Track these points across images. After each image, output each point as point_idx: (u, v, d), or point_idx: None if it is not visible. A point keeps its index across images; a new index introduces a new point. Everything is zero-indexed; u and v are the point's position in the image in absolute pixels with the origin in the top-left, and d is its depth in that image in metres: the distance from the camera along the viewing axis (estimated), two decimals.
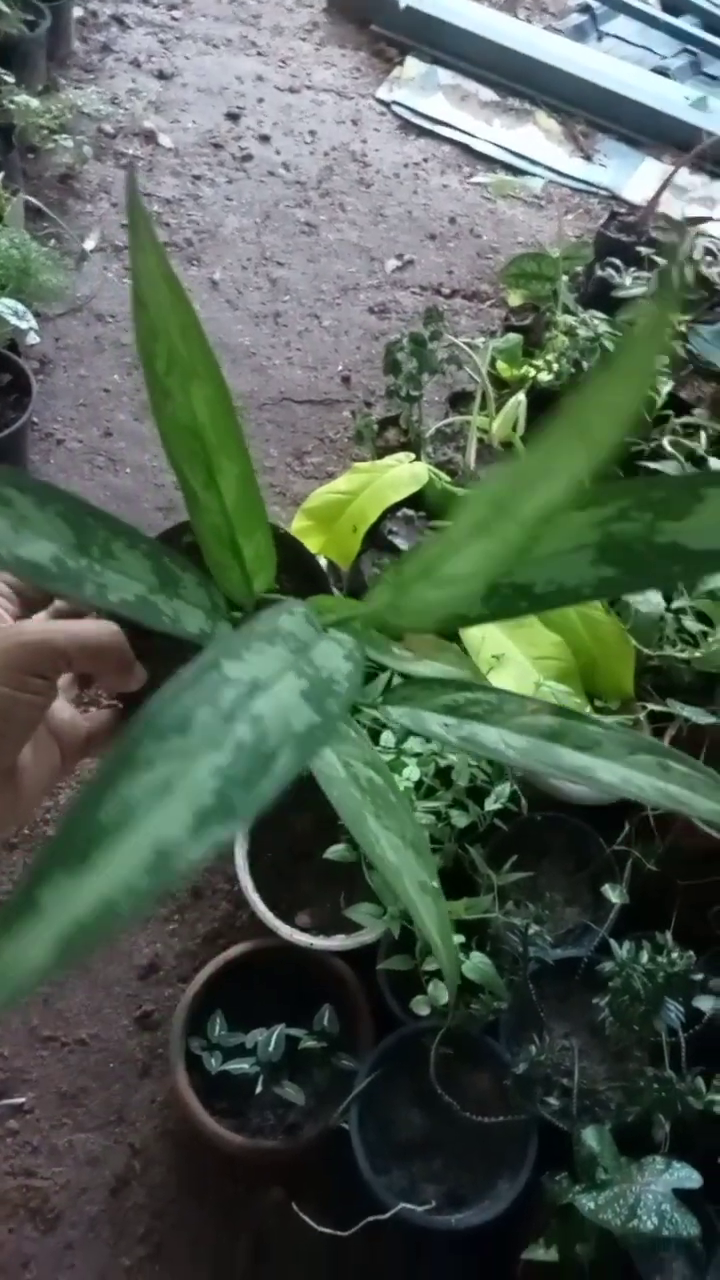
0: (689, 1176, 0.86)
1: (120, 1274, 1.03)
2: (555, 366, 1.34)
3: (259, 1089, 1.00)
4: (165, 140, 2.12)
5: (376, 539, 1.25)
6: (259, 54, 2.36)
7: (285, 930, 1.06)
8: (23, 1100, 1.11)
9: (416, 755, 1.04)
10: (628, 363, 0.29)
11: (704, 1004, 0.97)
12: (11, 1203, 1.06)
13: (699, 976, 0.94)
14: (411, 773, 1.01)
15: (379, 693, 0.45)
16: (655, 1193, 0.84)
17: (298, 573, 0.54)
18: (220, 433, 0.39)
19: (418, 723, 0.42)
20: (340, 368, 1.80)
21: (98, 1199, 1.07)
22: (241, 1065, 1.00)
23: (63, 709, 0.49)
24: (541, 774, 0.39)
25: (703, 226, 1.52)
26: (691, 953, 0.93)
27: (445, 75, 2.29)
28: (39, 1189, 1.06)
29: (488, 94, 2.28)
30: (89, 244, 1.89)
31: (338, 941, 1.06)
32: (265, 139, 2.17)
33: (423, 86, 2.26)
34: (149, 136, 2.12)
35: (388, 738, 1.05)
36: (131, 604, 0.39)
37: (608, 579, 0.36)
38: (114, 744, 0.51)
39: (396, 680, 0.48)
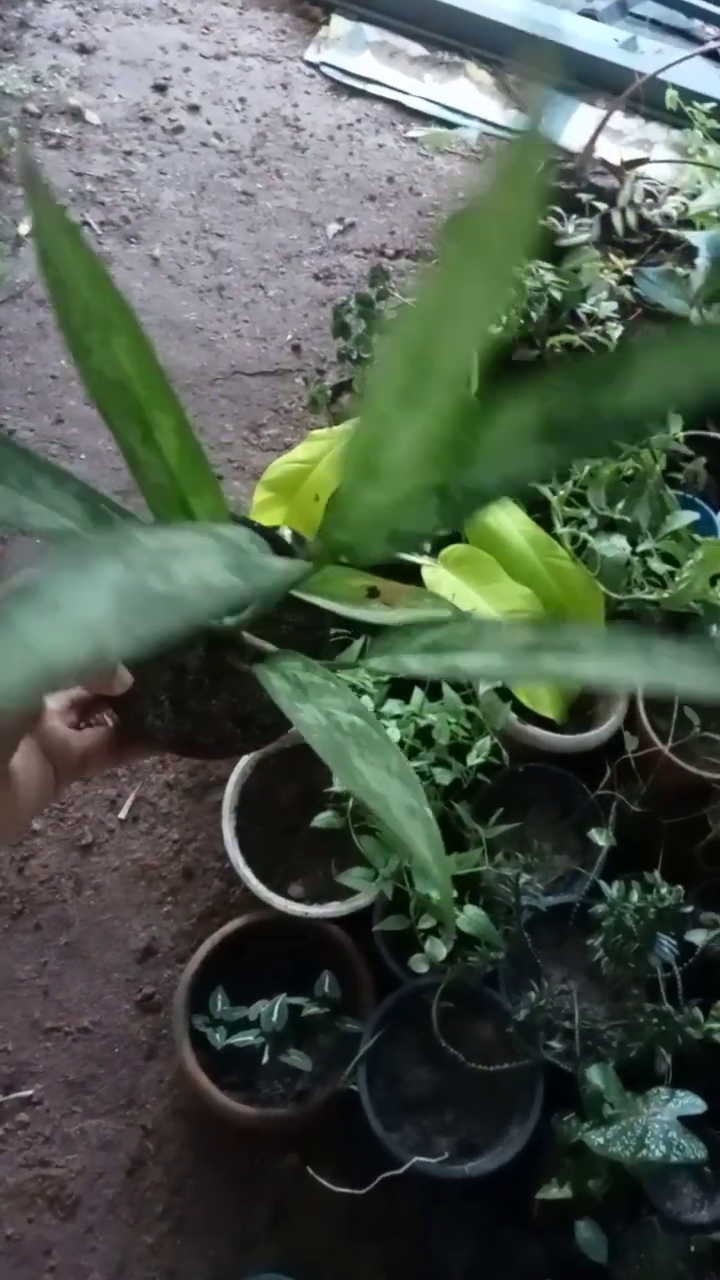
0: (693, 1104, 0.88)
1: (143, 1252, 1.04)
2: (504, 319, 1.33)
3: (265, 1059, 1.01)
4: (92, 116, 2.07)
5: None
6: (181, 21, 2.31)
7: (279, 902, 1.06)
8: (30, 1092, 1.11)
9: (396, 717, 1.04)
10: (513, 169, 0.29)
11: (696, 937, 0.99)
12: (28, 1193, 1.06)
13: (689, 910, 0.96)
14: (392, 734, 1.02)
15: (356, 655, 0.45)
16: (661, 1122, 0.86)
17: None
18: (148, 385, 0.39)
19: (397, 666, 0.42)
20: (289, 337, 1.79)
21: (114, 1182, 1.07)
22: (246, 1038, 1.01)
23: (57, 729, 0.49)
24: (528, 682, 0.40)
25: (641, 169, 1.51)
26: (680, 888, 0.95)
27: (372, 32, 2.25)
28: (55, 1177, 1.07)
29: (416, 49, 2.24)
30: (23, 228, 1.84)
31: (332, 908, 1.06)
32: (195, 109, 2.13)
33: (350, 45, 2.23)
34: (75, 114, 2.07)
35: (367, 701, 1.05)
36: (58, 533, 0.38)
37: (553, 459, 0.37)
38: (106, 762, 0.52)
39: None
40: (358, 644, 1.00)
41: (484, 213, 0.30)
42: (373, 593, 0.50)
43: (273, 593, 0.35)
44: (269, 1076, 1.03)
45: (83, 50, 2.20)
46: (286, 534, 0.56)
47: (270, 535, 0.52)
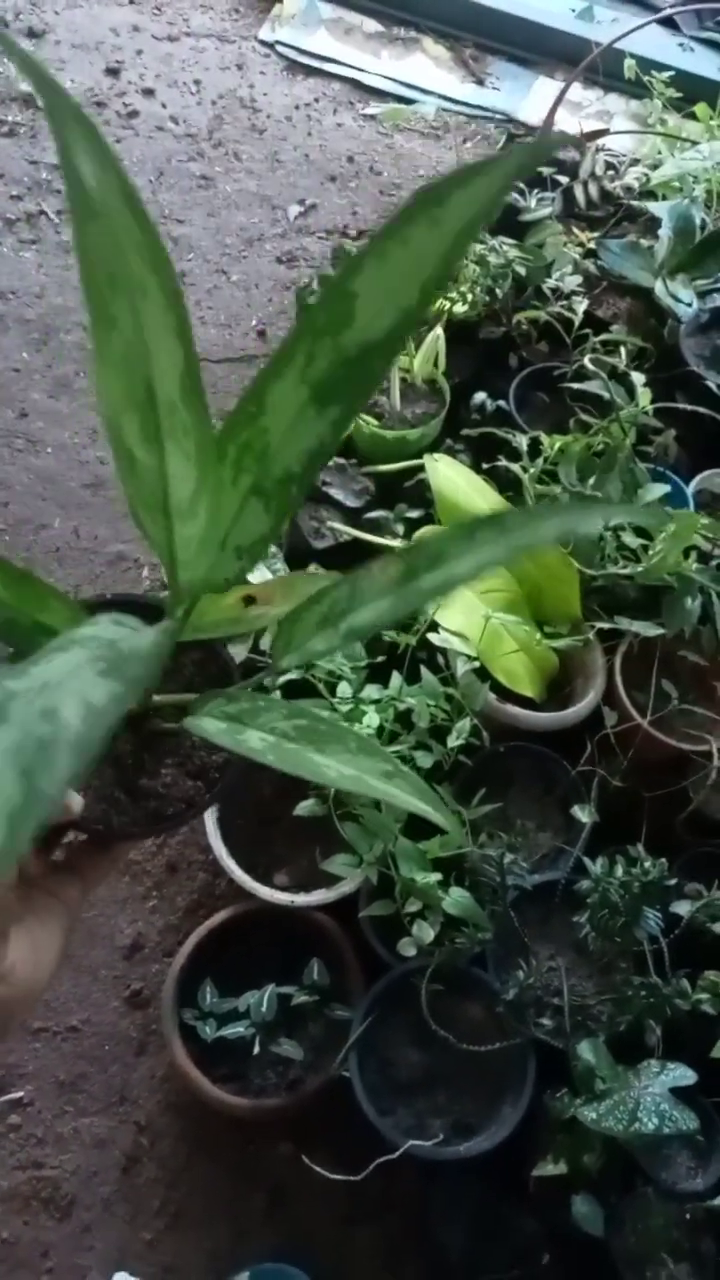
0: (684, 1075, 0.88)
1: (141, 1248, 1.03)
2: (469, 296, 1.32)
3: (256, 1050, 1.00)
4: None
5: (311, 491, 1.24)
6: (131, 3, 2.27)
7: (265, 892, 1.06)
8: (21, 1094, 1.10)
9: (375, 702, 1.04)
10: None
11: (681, 908, 0.99)
12: (23, 1196, 1.05)
13: (673, 882, 0.96)
14: (371, 719, 1.01)
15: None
16: (653, 1094, 0.87)
17: None
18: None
19: (306, 655, 0.43)
20: (254, 322, 1.76)
21: (110, 1179, 1.07)
22: (236, 1029, 1.00)
23: (42, 873, 0.50)
24: (417, 608, 0.41)
25: (601, 140, 1.50)
26: (664, 860, 0.95)
27: (327, 9, 2.22)
28: (49, 1178, 1.06)
29: (372, 25, 2.22)
30: None
31: (318, 896, 1.06)
32: (149, 93, 2.09)
33: (304, 23, 2.19)
34: (28, 100, 2.03)
35: (345, 689, 1.04)
36: None
37: (336, 418, 0.38)
38: (102, 870, 0.53)
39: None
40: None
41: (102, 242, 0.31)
42: (249, 600, 0.50)
43: (153, 672, 0.35)
44: (260, 1067, 1.03)
45: (32, 34, 2.15)
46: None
47: (136, 603, 0.53)
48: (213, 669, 0.55)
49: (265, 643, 0.99)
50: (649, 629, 1.08)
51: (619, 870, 0.95)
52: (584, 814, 1.04)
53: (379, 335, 0.36)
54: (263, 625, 0.49)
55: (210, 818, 1.10)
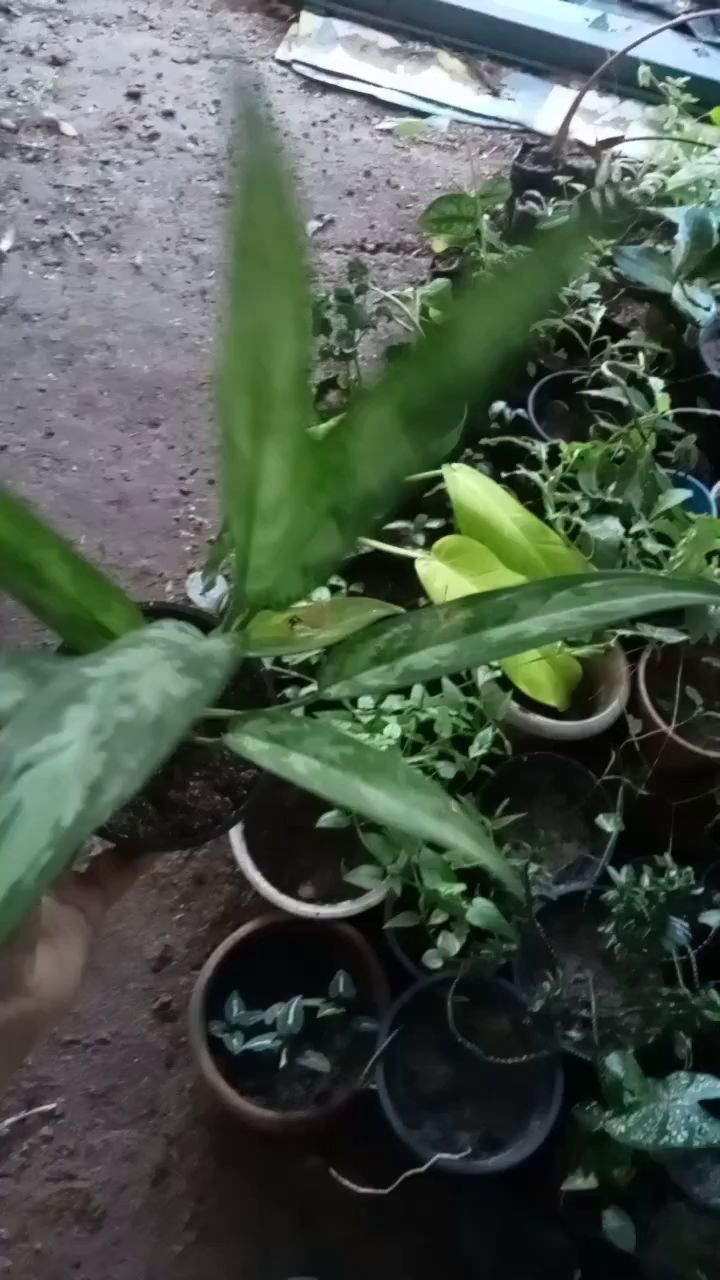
0: (713, 1087, 0.87)
1: (171, 1261, 1.04)
2: None
3: (283, 1062, 1.00)
4: (68, 128, 2.07)
5: None
6: (151, 28, 2.31)
7: (290, 904, 1.06)
8: (53, 1106, 1.11)
9: (396, 713, 1.04)
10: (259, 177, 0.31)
11: (710, 919, 0.98)
12: (55, 1208, 1.06)
13: (700, 891, 0.95)
14: (393, 730, 1.01)
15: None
16: (682, 1107, 0.86)
17: None
18: (21, 528, 0.39)
19: (356, 688, 0.42)
20: None
21: (140, 1192, 1.07)
22: (263, 1042, 1.00)
23: (66, 886, 0.50)
24: (482, 662, 0.40)
25: (617, 148, 1.50)
26: (690, 870, 0.94)
27: (342, 27, 2.24)
28: (80, 1190, 1.07)
29: (388, 41, 2.23)
30: (4, 244, 1.84)
31: (343, 908, 1.06)
32: (169, 115, 2.12)
33: (321, 41, 2.22)
34: (51, 126, 2.06)
35: (366, 700, 1.04)
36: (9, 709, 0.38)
37: (423, 442, 0.38)
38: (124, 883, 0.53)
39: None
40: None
41: (255, 227, 0.31)
42: (294, 622, 0.50)
43: (225, 678, 0.35)
44: (288, 1079, 1.03)
45: (55, 62, 2.19)
46: (207, 592, 0.56)
47: (189, 614, 0.53)
48: (246, 685, 0.54)
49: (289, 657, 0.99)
50: (672, 636, 1.08)
51: (645, 880, 0.94)
52: (609, 823, 1.03)
53: (469, 359, 0.37)
54: (310, 648, 0.49)
55: (236, 831, 1.10)
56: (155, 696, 0.29)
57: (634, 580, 0.40)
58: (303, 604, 0.53)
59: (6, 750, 0.26)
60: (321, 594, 1.10)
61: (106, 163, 2.02)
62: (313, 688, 0.46)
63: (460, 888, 0.97)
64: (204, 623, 0.51)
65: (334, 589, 1.14)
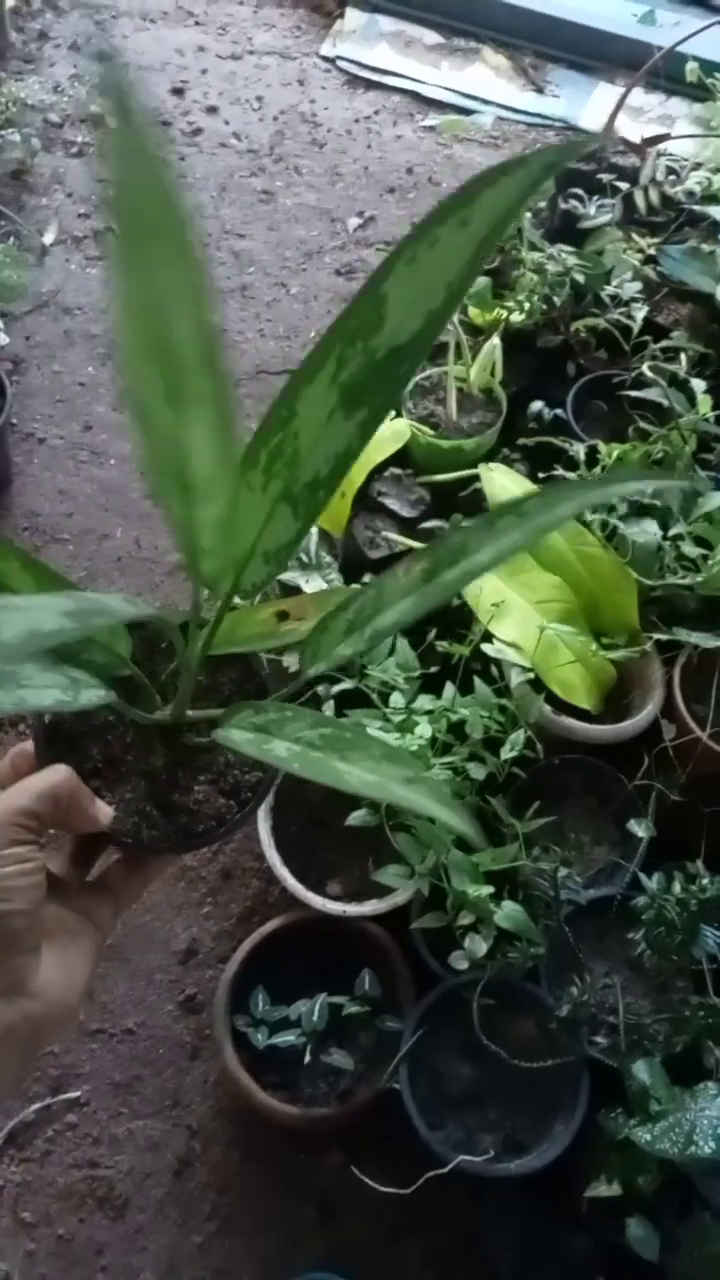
0: None
1: (192, 1251, 1.04)
2: (526, 305, 1.32)
3: (307, 1059, 1.00)
4: (113, 123, 2.08)
5: (366, 502, 1.24)
6: (197, 24, 2.32)
7: (317, 901, 1.06)
8: (78, 1094, 1.12)
9: (428, 713, 1.03)
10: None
11: None
12: (79, 1194, 1.07)
13: None
14: (424, 730, 1.01)
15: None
16: (710, 1117, 0.85)
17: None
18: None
19: (333, 661, 0.43)
20: (312, 334, 1.78)
21: (162, 1182, 1.08)
22: (288, 1037, 1.01)
23: (76, 892, 0.50)
24: (438, 605, 0.41)
25: (662, 145, 1.48)
26: None
27: (387, 23, 2.23)
28: (104, 1178, 1.08)
29: (432, 37, 2.22)
30: (48, 237, 1.86)
31: (370, 906, 1.06)
32: (213, 110, 2.13)
33: (365, 37, 2.21)
34: (96, 121, 2.08)
35: (397, 699, 1.04)
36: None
37: (363, 420, 0.39)
38: (135, 890, 0.53)
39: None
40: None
41: (133, 194, 0.31)
42: (282, 615, 0.50)
43: (115, 629, 0.35)
44: (311, 1076, 1.03)
45: (101, 58, 2.21)
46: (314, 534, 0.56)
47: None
48: (250, 686, 0.55)
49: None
50: (709, 640, 1.06)
51: (676, 887, 0.93)
52: (640, 828, 1.02)
53: (407, 338, 0.36)
54: (295, 640, 0.49)
55: (264, 826, 1.11)
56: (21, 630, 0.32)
57: (570, 488, 0.41)
58: (288, 602, 0.53)
59: None
60: (317, 583, 1.10)
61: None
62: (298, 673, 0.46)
63: (489, 890, 0.96)
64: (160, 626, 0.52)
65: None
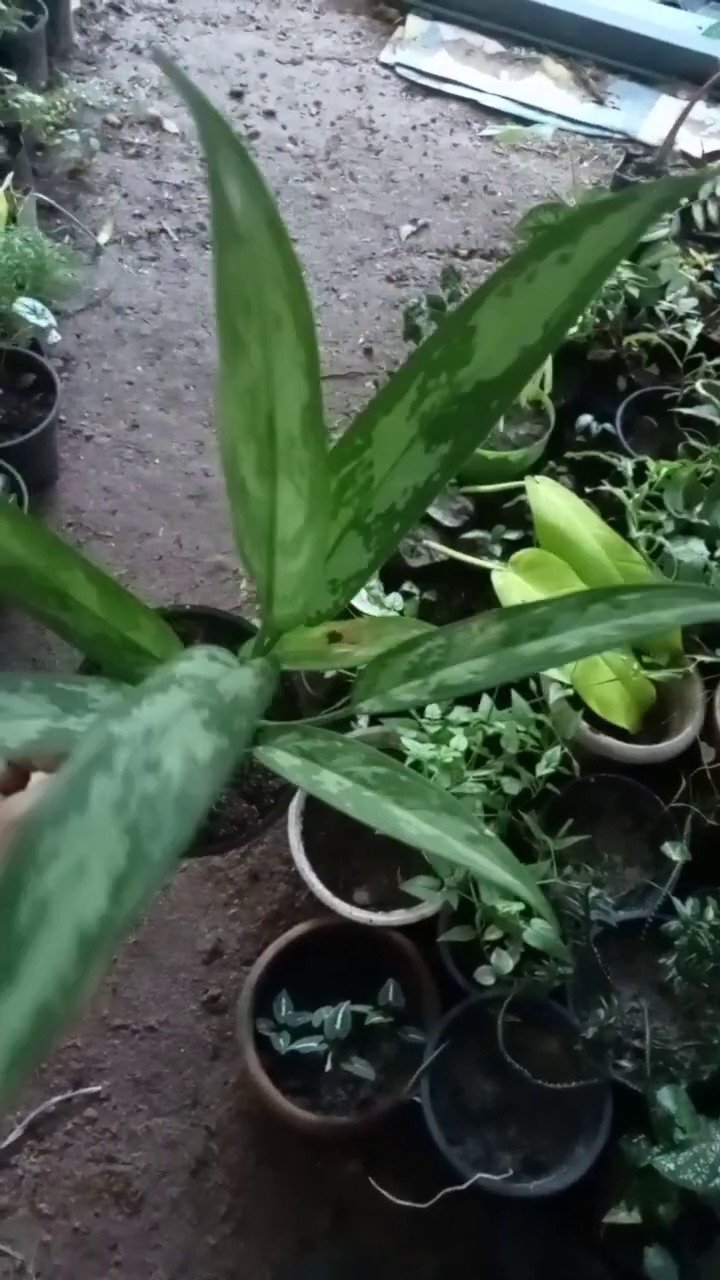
0: None
1: (206, 1251, 1.04)
2: (579, 318, 1.31)
3: (328, 1066, 1.00)
4: (171, 125, 2.10)
5: None
6: (258, 28, 2.33)
7: (344, 908, 1.06)
8: (99, 1088, 1.12)
9: (464, 725, 1.03)
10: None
11: None
12: (95, 1188, 1.08)
13: None
14: (459, 743, 1.00)
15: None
16: None
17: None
18: (46, 553, 0.38)
19: (389, 703, 0.42)
20: (361, 340, 1.78)
21: (179, 1181, 1.08)
22: (310, 1044, 1.00)
23: None
24: (517, 677, 0.39)
25: None
26: None
27: (448, 31, 2.23)
28: (121, 1174, 1.08)
29: (493, 46, 2.22)
30: (103, 237, 1.88)
31: (397, 916, 1.05)
32: (270, 114, 2.14)
33: (425, 45, 2.21)
34: (155, 123, 2.10)
35: (433, 710, 1.04)
36: (39, 740, 0.36)
37: (446, 455, 0.37)
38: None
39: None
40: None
41: (244, 279, 0.30)
42: (334, 637, 0.49)
43: (254, 721, 0.34)
44: (331, 1083, 1.02)
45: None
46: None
47: (216, 617, 0.52)
48: (280, 694, 0.54)
49: None
50: None
51: (710, 913, 0.92)
52: (675, 852, 1.01)
53: (497, 374, 0.35)
54: (347, 664, 0.48)
55: (294, 830, 1.11)
56: (180, 761, 0.28)
57: (673, 592, 0.38)
58: (340, 624, 0.52)
59: (28, 839, 0.24)
60: (386, 603, 1.09)
61: (206, 161, 2.04)
62: (348, 701, 0.45)
63: (518, 906, 0.96)
64: (241, 630, 0.51)
65: (407, 595, 1.14)
